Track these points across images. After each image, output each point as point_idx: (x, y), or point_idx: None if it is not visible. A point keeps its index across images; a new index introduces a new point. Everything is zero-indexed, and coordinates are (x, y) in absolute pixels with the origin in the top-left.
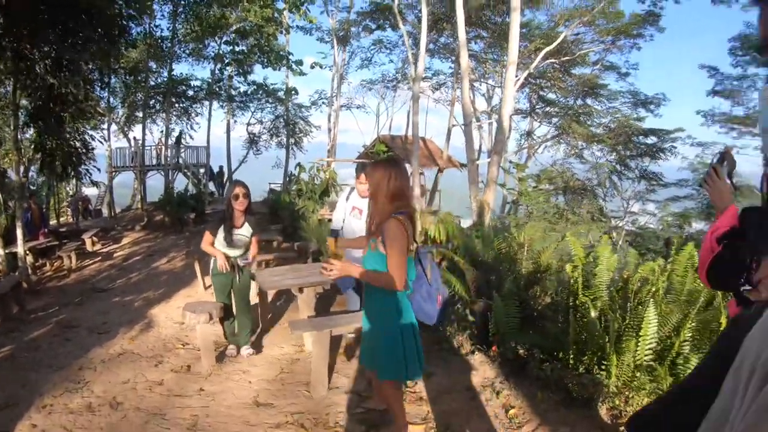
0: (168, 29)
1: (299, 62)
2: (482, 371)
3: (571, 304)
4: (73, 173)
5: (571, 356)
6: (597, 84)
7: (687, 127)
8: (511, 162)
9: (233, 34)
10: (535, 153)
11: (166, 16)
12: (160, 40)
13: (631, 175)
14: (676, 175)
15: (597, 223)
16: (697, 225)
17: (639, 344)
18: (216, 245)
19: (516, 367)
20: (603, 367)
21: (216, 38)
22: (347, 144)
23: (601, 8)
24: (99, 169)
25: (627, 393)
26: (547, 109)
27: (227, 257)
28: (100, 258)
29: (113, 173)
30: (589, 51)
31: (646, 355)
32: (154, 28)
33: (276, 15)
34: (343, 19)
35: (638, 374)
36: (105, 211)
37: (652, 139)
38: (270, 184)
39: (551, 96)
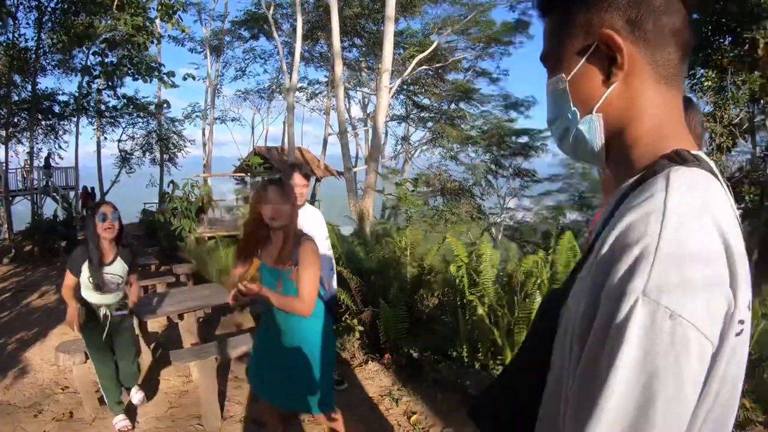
0: (33, 39)
1: (171, 73)
2: (378, 380)
3: (459, 303)
4: None
5: (465, 355)
6: (470, 88)
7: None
8: (386, 167)
9: (102, 45)
10: (411, 158)
11: (31, 24)
12: (23, 52)
13: (506, 173)
14: (548, 171)
15: (476, 221)
16: (571, 215)
17: None
18: (83, 290)
19: (411, 372)
20: (498, 361)
21: (84, 49)
22: (224, 158)
23: (473, 17)
24: None
25: None
26: (422, 114)
27: (95, 308)
28: None
29: None
30: (461, 58)
31: None
32: (18, 38)
33: (147, 24)
34: (217, 28)
35: None
36: None
37: (523, 139)
38: (145, 204)
39: (426, 101)
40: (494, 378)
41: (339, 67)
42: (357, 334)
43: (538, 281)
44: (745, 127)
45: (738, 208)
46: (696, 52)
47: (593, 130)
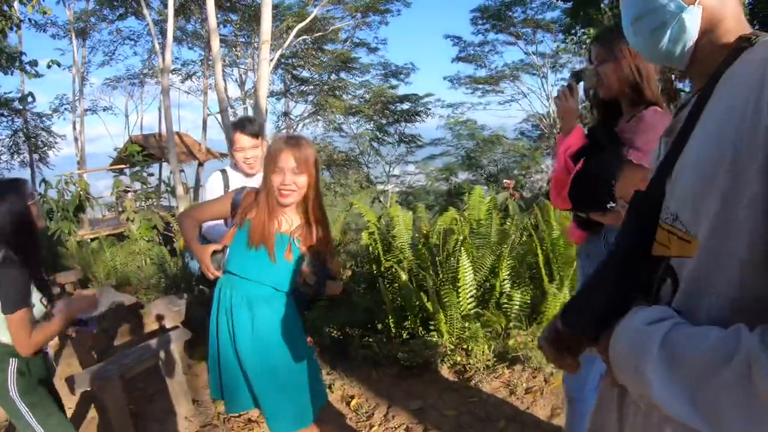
0: None
1: (34, 62)
2: None
3: (376, 271)
4: None
5: (392, 325)
6: (350, 58)
7: (436, 92)
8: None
9: None
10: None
11: None
12: None
13: (391, 140)
14: (434, 135)
15: (366, 190)
16: (462, 175)
17: (460, 295)
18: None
19: (338, 353)
20: (431, 327)
21: None
22: (98, 154)
23: None
24: None
25: (464, 345)
26: (302, 87)
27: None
28: None
29: None
30: (340, 27)
31: (469, 304)
32: None
33: (5, 8)
34: (80, 10)
35: (467, 324)
36: None
37: (406, 105)
38: None
39: (305, 74)
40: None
41: (216, 43)
42: None
43: (461, 238)
44: None
45: None
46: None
47: (694, 22)
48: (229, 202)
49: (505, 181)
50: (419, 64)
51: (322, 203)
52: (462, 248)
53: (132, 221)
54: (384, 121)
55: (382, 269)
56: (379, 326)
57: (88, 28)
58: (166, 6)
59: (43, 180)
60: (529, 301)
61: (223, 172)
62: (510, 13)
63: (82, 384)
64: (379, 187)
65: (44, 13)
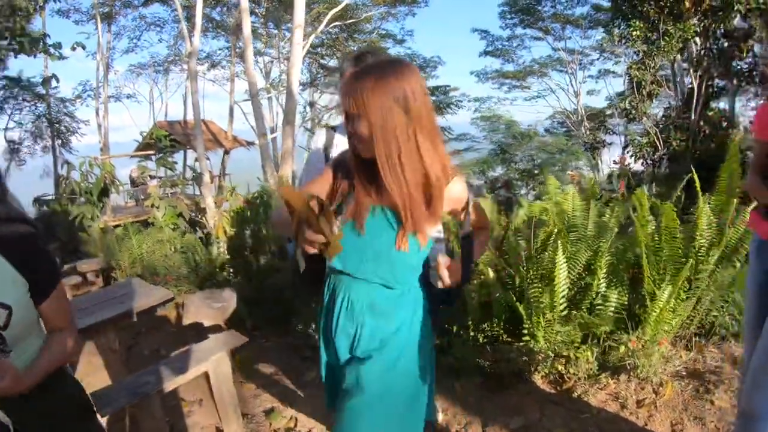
0: None
1: (58, 45)
2: None
3: None
4: None
5: (471, 329)
6: (379, 48)
7: (462, 86)
8: (307, 129)
9: None
10: (318, 124)
11: None
12: None
13: None
14: (463, 129)
15: None
16: (496, 170)
17: (554, 295)
18: None
19: None
20: (520, 331)
21: None
22: (120, 143)
23: None
24: None
25: (564, 352)
26: (327, 77)
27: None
28: None
29: None
30: (371, 16)
31: (561, 306)
32: None
33: None
34: None
35: (560, 328)
36: None
37: (436, 97)
38: (39, 196)
39: (333, 64)
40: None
41: (248, 25)
42: None
43: (555, 231)
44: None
45: (664, 154)
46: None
47: None
48: (331, 173)
49: (568, 173)
50: (446, 58)
51: (421, 156)
52: (557, 242)
53: (157, 208)
54: None
55: None
56: (455, 328)
57: (113, 13)
58: None
59: (66, 161)
60: (626, 303)
61: (331, 129)
62: (539, 8)
63: (114, 402)
64: None
65: None
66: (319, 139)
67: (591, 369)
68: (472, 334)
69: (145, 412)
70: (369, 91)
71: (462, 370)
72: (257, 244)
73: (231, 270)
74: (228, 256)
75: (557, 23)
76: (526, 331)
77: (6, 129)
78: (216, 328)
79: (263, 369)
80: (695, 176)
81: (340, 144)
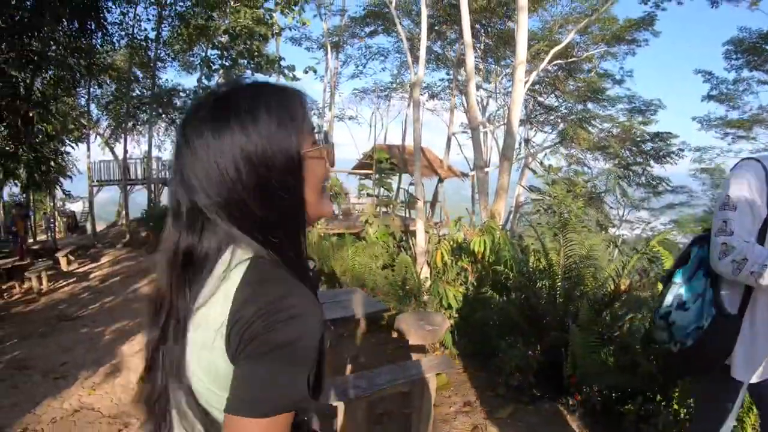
0: (152, 29)
1: (291, 67)
2: (561, 427)
3: None
4: (42, 182)
5: (675, 400)
6: (598, 88)
7: (682, 133)
8: (541, 163)
9: (223, 36)
10: (531, 162)
11: (152, 20)
12: (143, 41)
13: (638, 180)
14: (682, 181)
15: (604, 231)
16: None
17: None
18: None
19: (606, 419)
20: None
21: (203, 43)
22: (341, 159)
23: (596, 14)
24: (71, 178)
25: None
26: (546, 116)
27: None
28: (75, 279)
29: (95, 187)
30: (592, 55)
31: None
32: (138, 32)
33: (267, 16)
34: (335, 24)
35: None
36: (88, 228)
37: (656, 144)
38: None
39: (550, 102)
40: None
41: (471, 59)
42: (531, 366)
43: None
44: None
45: None
46: None
47: None
48: None
49: None
50: (666, 101)
51: None
52: None
53: (371, 224)
54: (631, 160)
55: None
56: (659, 397)
57: (341, 42)
58: (417, 25)
59: None
60: None
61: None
62: (767, 47)
63: (323, 398)
64: (611, 231)
65: (303, 23)
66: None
67: None
68: (677, 407)
69: (349, 415)
70: None
71: None
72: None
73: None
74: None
75: None
76: None
77: None
78: (418, 348)
79: (456, 397)
80: None
81: None
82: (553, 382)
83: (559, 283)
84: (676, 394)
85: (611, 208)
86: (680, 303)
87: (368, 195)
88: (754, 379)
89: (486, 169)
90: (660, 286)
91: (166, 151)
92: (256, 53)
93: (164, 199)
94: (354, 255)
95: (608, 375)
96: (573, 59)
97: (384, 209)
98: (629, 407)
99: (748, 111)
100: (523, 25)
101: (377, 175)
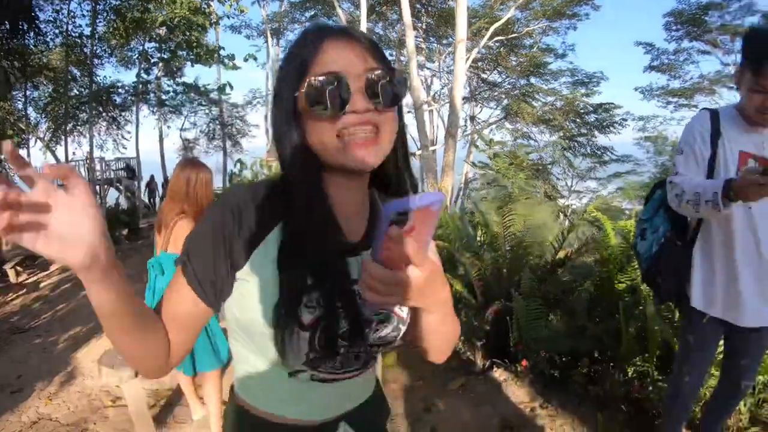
0: (87, 26)
1: (231, 56)
2: (511, 394)
3: (611, 295)
4: None
5: (622, 360)
6: (541, 63)
7: (625, 103)
8: (482, 138)
9: (160, 29)
10: (476, 139)
11: (86, 15)
12: (78, 38)
13: (584, 151)
14: (626, 150)
15: (552, 201)
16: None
17: None
18: None
19: (556, 383)
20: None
21: (141, 36)
22: None
23: None
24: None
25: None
26: (489, 92)
27: None
28: (25, 290)
29: None
30: (533, 29)
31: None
32: (73, 30)
33: (204, 5)
34: (275, 10)
35: (714, 371)
36: None
37: (599, 115)
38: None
39: (492, 78)
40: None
41: (411, 39)
42: (479, 336)
43: None
44: None
45: None
46: None
47: None
48: None
49: None
50: (608, 73)
51: None
52: None
53: None
54: (575, 131)
55: (623, 292)
56: (606, 359)
57: (281, 28)
58: (357, 7)
59: (239, 160)
60: None
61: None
62: (706, 19)
63: None
64: (560, 201)
65: (241, 11)
66: None
67: (741, 421)
68: (628, 368)
69: None
70: None
71: (607, 401)
72: None
73: None
74: None
75: (726, 35)
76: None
77: (182, 129)
78: None
79: (409, 372)
80: None
81: None
82: (502, 352)
83: (504, 255)
84: (624, 355)
85: (558, 179)
86: (642, 234)
87: None
88: (717, 313)
89: (432, 148)
90: (602, 253)
91: (108, 151)
92: (195, 44)
93: (110, 199)
94: None
95: (555, 340)
96: (514, 35)
97: None
98: (579, 370)
99: (689, 80)
100: (462, 3)
101: None
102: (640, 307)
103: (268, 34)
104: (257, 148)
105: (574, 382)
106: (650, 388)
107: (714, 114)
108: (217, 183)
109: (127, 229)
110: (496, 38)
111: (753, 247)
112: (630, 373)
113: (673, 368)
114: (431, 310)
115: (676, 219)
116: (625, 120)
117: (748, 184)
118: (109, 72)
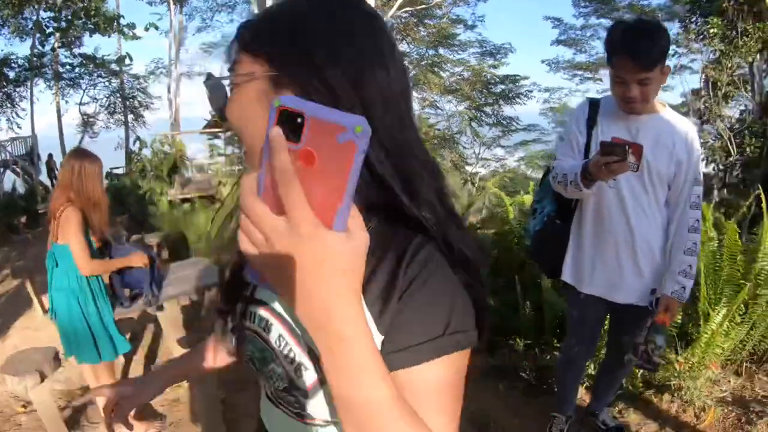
0: None
1: (132, 25)
2: None
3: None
4: None
5: (522, 334)
6: (449, 34)
7: (532, 75)
8: None
9: None
10: None
11: None
12: None
13: (489, 121)
14: (532, 120)
15: (459, 170)
16: None
17: None
18: None
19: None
20: None
21: (35, 5)
22: (191, 118)
23: None
24: None
25: None
26: None
27: None
28: None
29: None
30: (442, 1)
31: None
32: None
33: None
34: None
35: None
36: None
37: (505, 86)
38: (111, 169)
39: (401, 48)
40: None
41: None
42: None
43: None
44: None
45: (737, 159)
46: None
47: None
48: None
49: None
50: (517, 45)
51: None
52: None
53: (224, 185)
54: (482, 101)
55: (519, 264)
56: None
57: None
58: None
59: (138, 138)
60: (678, 321)
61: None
62: None
63: None
64: (467, 169)
65: None
66: None
67: (635, 384)
68: (528, 341)
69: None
70: None
71: (507, 373)
72: None
73: None
74: None
75: (633, 14)
76: None
77: (81, 103)
78: None
79: None
80: (763, 195)
81: None
82: None
83: None
84: (522, 327)
85: (465, 148)
86: (533, 213)
87: (219, 155)
88: (590, 290)
89: None
90: (500, 227)
91: (1, 131)
92: (93, 12)
93: (6, 183)
94: (207, 220)
95: None
96: (423, 5)
97: (240, 167)
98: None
99: (595, 55)
100: None
101: (227, 133)
102: (538, 281)
103: (171, 2)
104: (160, 121)
105: (474, 354)
106: (548, 357)
107: (594, 103)
108: (120, 161)
109: (26, 215)
110: (405, 9)
111: (624, 225)
112: (528, 344)
113: (564, 338)
114: (314, 336)
115: (562, 200)
116: (531, 91)
117: (594, 165)
118: (1, 44)
